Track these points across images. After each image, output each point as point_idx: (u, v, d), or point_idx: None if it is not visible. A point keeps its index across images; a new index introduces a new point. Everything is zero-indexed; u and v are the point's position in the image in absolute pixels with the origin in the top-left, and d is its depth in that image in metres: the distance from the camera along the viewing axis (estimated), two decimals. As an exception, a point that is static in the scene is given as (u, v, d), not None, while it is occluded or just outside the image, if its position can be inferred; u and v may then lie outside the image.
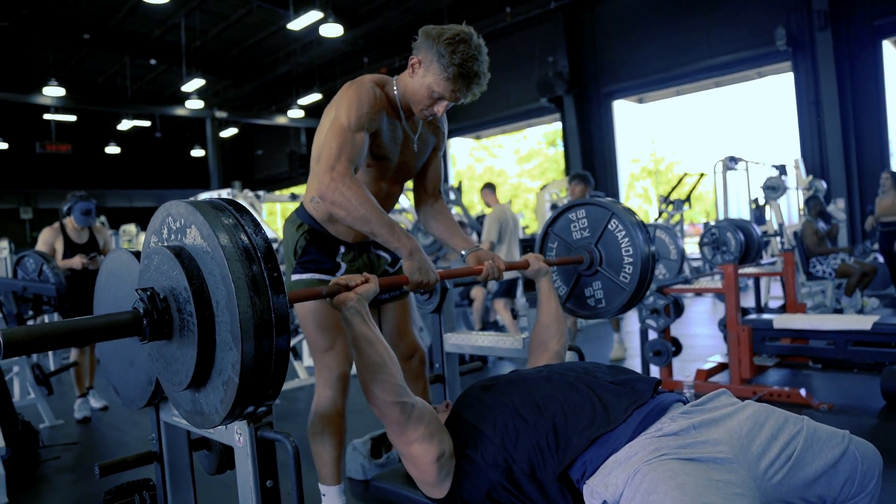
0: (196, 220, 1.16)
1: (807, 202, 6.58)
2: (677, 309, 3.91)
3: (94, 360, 4.58)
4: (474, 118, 16.85)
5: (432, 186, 2.18)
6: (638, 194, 24.41)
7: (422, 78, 1.78)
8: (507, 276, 4.90)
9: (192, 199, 1.25)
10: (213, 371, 1.17)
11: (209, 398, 1.20)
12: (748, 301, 6.30)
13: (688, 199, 8.89)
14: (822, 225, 6.37)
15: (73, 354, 4.43)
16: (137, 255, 1.59)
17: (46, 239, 4.44)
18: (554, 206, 9.69)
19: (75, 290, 4.08)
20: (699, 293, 7.12)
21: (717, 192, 8.28)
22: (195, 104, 17.49)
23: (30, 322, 4.01)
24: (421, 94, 1.79)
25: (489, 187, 5.83)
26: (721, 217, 7.86)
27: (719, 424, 1.33)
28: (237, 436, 1.39)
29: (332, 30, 11.77)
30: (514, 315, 5.10)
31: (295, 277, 1.98)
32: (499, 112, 16.08)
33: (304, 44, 16.15)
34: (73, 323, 1.14)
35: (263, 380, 1.13)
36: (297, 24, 12.37)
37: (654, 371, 4.12)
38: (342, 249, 2.03)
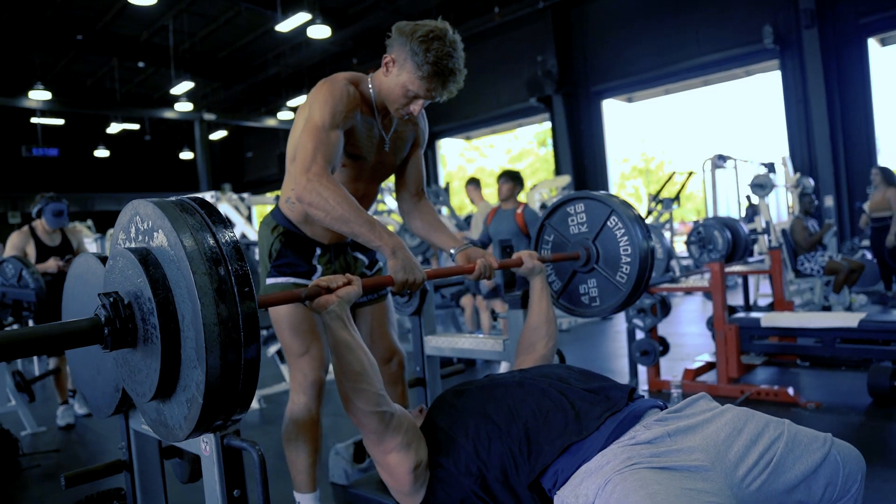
0: (163, 224, 1.09)
1: (800, 199, 6.57)
2: (664, 308, 3.89)
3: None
4: (464, 118, 16.83)
5: (413, 184, 2.13)
6: (629, 193, 24.47)
7: (396, 77, 1.73)
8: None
9: (162, 199, 1.18)
10: (177, 386, 1.12)
11: (173, 412, 1.16)
12: (737, 299, 6.30)
13: (677, 197, 8.90)
14: (812, 223, 6.38)
15: (52, 361, 4.36)
16: (104, 259, 1.55)
17: (16, 243, 4.34)
18: (543, 206, 9.68)
19: (54, 295, 4.01)
20: (689, 292, 7.12)
21: (706, 190, 8.29)
22: (184, 107, 17.41)
23: (9, 328, 3.96)
24: (396, 93, 1.75)
25: (473, 183, 5.74)
26: (710, 215, 7.86)
27: (696, 431, 1.30)
28: (203, 444, 1.36)
29: (320, 31, 11.72)
30: (495, 317, 5.03)
31: (270, 281, 1.94)
32: (488, 112, 16.06)
33: (292, 45, 16.09)
34: (28, 332, 1.08)
35: (230, 395, 1.08)
36: (285, 26, 12.32)
37: (642, 371, 4.11)
38: (318, 252, 2.00)
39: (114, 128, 19.26)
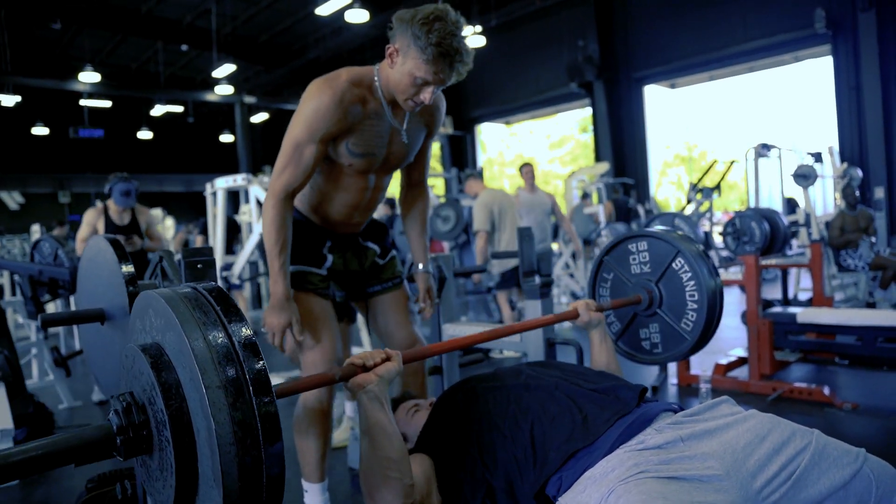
0: (174, 326, 0.97)
1: (843, 191, 6.32)
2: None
3: None
4: (503, 103, 16.69)
5: (416, 174, 2.11)
6: (671, 182, 23.95)
7: (401, 66, 1.68)
8: (510, 263, 4.74)
9: (175, 291, 1.02)
10: (197, 496, 1.00)
11: None
12: (776, 293, 6.11)
13: (718, 186, 8.65)
14: (862, 214, 6.12)
15: None
16: (114, 242, 1.55)
17: (89, 220, 4.49)
18: (585, 196, 9.52)
19: None
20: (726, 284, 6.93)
21: (749, 180, 8.04)
22: (225, 90, 17.65)
23: (48, 305, 4.08)
24: (404, 82, 1.69)
25: (474, 177, 5.59)
26: (752, 206, 7.63)
27: (713, 436, 1.23)
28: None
29: (358, 15, 11.72)
30: (513, 306, 4.94)
31: None
32: (528, 97, 15.88)
33: (332, 29, 16.13)
34: (34, 449, 0.94)
35: (254, 492, 0.94)
36: (324, 10, 12.39)
37: (672, 365, 4.01)
38: (329, 243, 1.99)
39: (157, 110, 19.65)
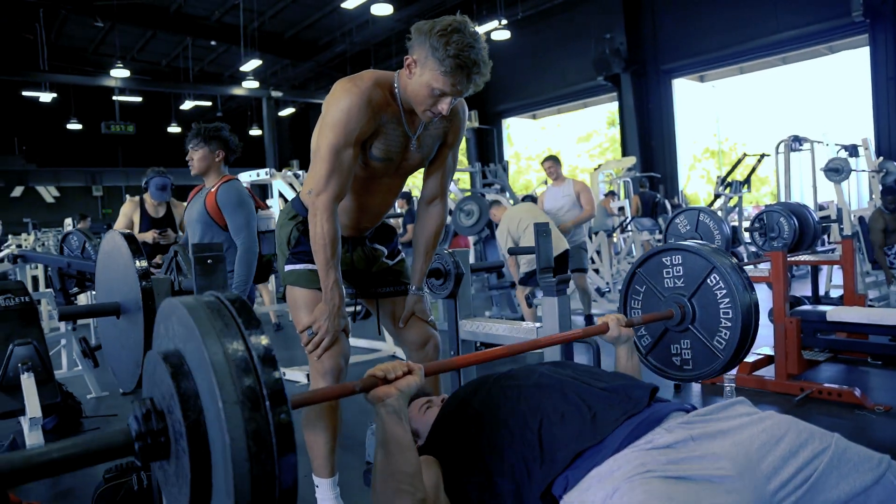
0: (195, 341, 0.97)
1: (882, 196, 6.09)
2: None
3: None
4: (529, 97, 16.59)
5: (430, 189, 2.04)
6: (700, 176, 23.57)
7: (419, 77, 1.67)
8: (531, 259, 4.72)
9: (198, 300, 1.02)
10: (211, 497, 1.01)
11: None
12: (807, 290, 5.97)
13: (747, 180, 8.47)
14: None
15: None
16: (127, 237, 1.57)
17: (126, 211, 4.56)
18: (611, 193, 9.41)
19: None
20: (754, 280, 6.79)
21: (779, 174, 7.86)
22: (252, 84, 17.84)
23: (76, 297, 4.15)
24: (422, 93, 1.68)
25: (495, 205, 5.64)
26: (782, 200, 7.47)
27: (726, 436, 1.19)
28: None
29: (383, 8, 11.78)
30: (529, 303, 4.90)
31: (288, 268, 1.94)
32: (554, 91, 15.78)
33: (358, 23, 16.18)
34: (55, 451, 0.96)
35: None
36: (350, 4, 12.48)
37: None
38: None
39: (187, 105, 19.94)
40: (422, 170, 2.06)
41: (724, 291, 1.82)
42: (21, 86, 18.55)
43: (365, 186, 1.90)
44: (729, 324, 1.82)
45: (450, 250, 2.46)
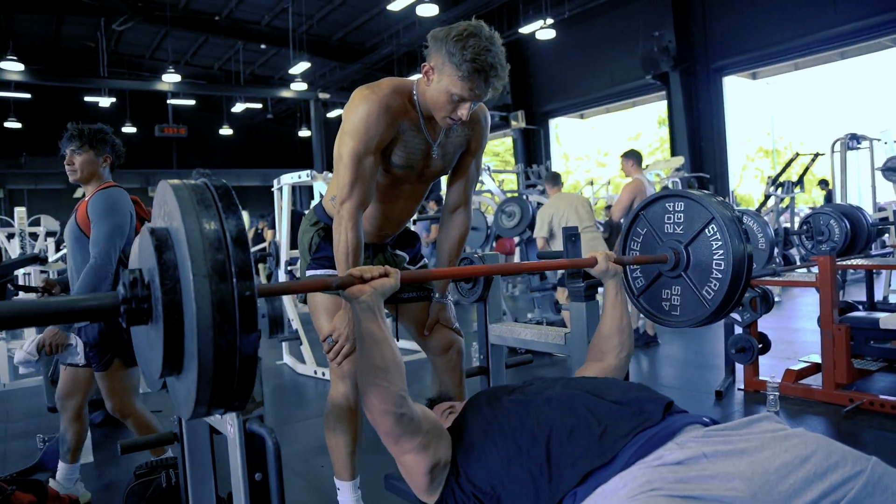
0: (176, 214, 1.09)
1: None
2: (766, 303, 3.59)
3: None
4: (577, 97, 16.40)
5: (454, 198, 2.04)
6: (754, 176, 22.85)
7: (437, 83, 1.67)
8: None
9: (185, 184, 1.18)
10: (182, 367, 1.14)
11: (179, 391, 1.18)
12: (862, 295, 5.72)
13: (800, 180, 8.18)
14: None
15: None
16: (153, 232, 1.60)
17: None
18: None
19: None
20: (791, 286, 6.55)
21: (835, 173, 7.56)
22: (300, 86, 18.16)
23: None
24: (441, 100, 1.68)
25: (554, 178, 5.60)
26: (837, 201, 7.18)
27: (744, 455, 1.11)
28: (228, 427, 1.38)
29: (429, 9, 11.84)
30: (558, 308, 4.86)
31: (309, 273, 1.97)
32: (602, 90, 15.55)
33: (405, 25, 16.28)
34: (49, 303, 1.13)
35: (225, 383, 1.06)
36: (396, 6, 12.59)
37: (739, 369, 3.82)
38: None
39: (238, 107, 20.43)
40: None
41: (720, 243, 1.81)
42: (83, 92, 19.35)
43: (387, 193, 1.91)
44: (720, 275, 1.82)
45: (483, 254, 2.45)
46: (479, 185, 7.65)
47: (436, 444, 1.36)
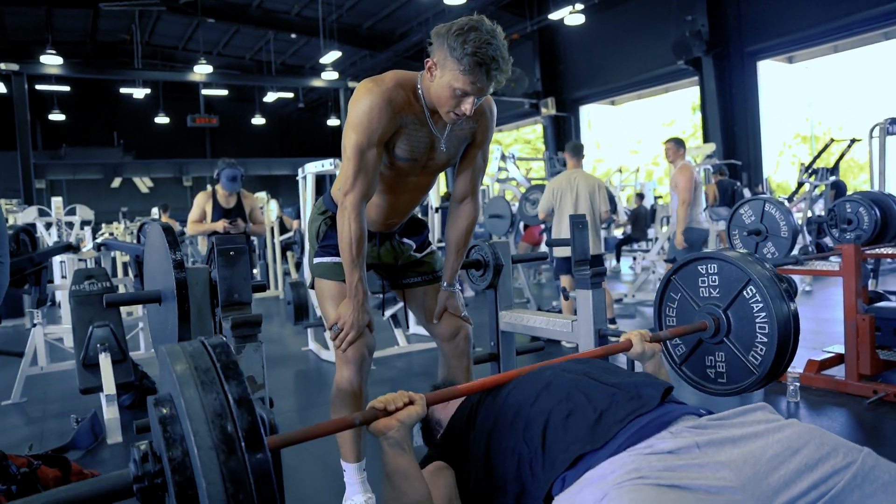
0: (175, 389, 1.00)
1: None
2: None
3: None
4: (607, 83, 16.20)
5: (461, 188, 2.06)
6: (791, 163, 22.30)
7: (440, 78, 1.69)
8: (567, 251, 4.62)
9: (179, 346, 1.07)
10: None
11: None
12: (892, 285, 5.59)
13: (834, 167, 7.97)
14: None
15: None
16: (166, 228, 1.66)
17: (199, 202, 4.80)
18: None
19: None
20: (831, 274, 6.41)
21: (873, 160, 7.35)
22: (330, 75, 18.28)
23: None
24: (444, 95, 1.70)
25: (574, 149, 5.29)
26: (875, 188, 6.98)
27: (736, 445, 1.11)
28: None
29: (456, -3, 11.80)
30: (566, 296, 4.77)
31: (317, 260, 2.02)
32: (633, 76, 15.33)
33: (435, 13, 16.25)
34: (60, 493, 1.03)
35: None
36: (424, -7, 12.56)
37: (761, 359, 3.77)
38: None
39: (270, 97, 20.66)
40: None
41: (761, 305, 1.71)
42: (119, 84, 19.79)
43: (392, 185, 1.94)
44: (765, 339, 1.72)
45: (491, 242, 2.46)
46: (503, 174, 7.64)
47: (455, 499, 1.38)
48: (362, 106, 1.75)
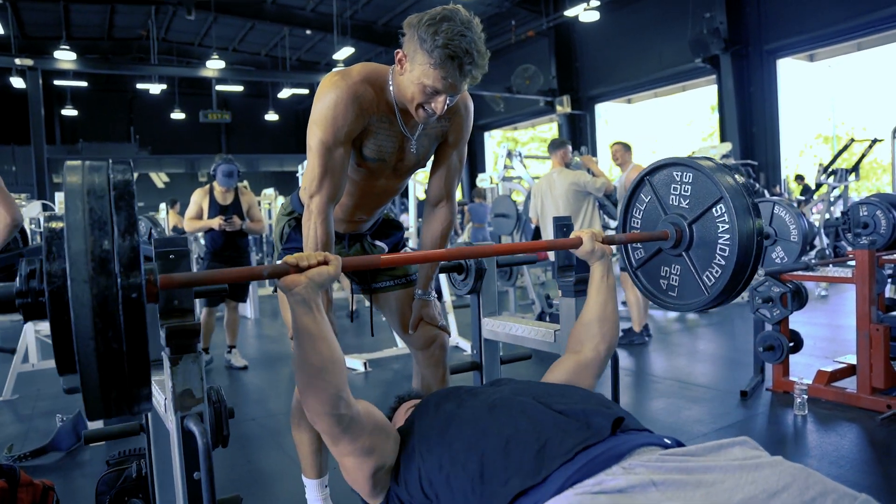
0: (65, 221, 0.96)
1: None
2: (798, 299, 3.37)
3: (237, 319, 4.83)
4: (623, 81, 15.96)
5: (435, 191, 1.91)
6: (814, 164, 21.87)
7: (410, 72, 1.54)
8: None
9: (85, 164, 1.02)
10: (75, 370, 1.01)
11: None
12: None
13: (855, 168, 7.73)
14: None
15: (203, 314, 4.70)
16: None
17: (196, 199, 4.74)
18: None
19: (218, 249, 4.59)
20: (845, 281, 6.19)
21: (895, 160, 7.12)
22: (343, 72, 18.26)
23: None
24: (411, 90, 1.55)
25: (552, 145, 5.11)
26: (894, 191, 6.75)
27: (700, 486, 0.94)
28: (169, 424, 1.33)
29: (470, -7, 11.64)
30: (549, 304, 4.56)
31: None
32: (649, 74, 15.08)
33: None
34: None
35: (117, 388, 0.97)
36: (437, -11, 12.43)
37: (768, 369, 3.61)
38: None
39: (284, 93, 20.68)
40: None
41: (727, 226, 1.62)
42: (135, 79, 19.91)
43: (360, 187, 1.82)
44: (723, 262, 1.64)
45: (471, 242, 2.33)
46: (508, 172, 7.50)
47: (381, 447, 1.27)
48: (327, 101, 1.61)
